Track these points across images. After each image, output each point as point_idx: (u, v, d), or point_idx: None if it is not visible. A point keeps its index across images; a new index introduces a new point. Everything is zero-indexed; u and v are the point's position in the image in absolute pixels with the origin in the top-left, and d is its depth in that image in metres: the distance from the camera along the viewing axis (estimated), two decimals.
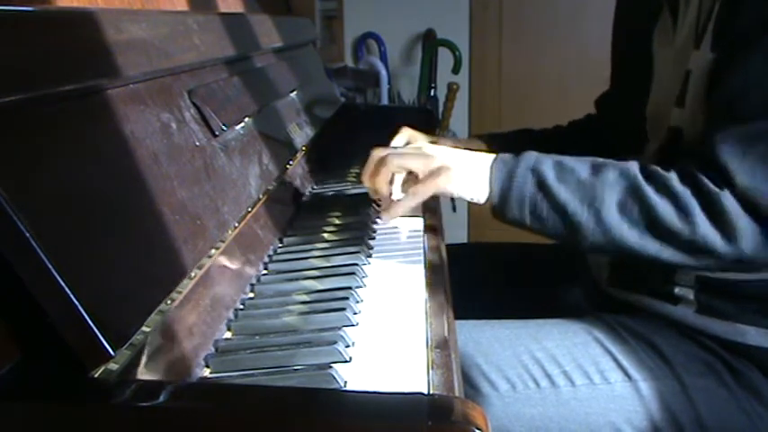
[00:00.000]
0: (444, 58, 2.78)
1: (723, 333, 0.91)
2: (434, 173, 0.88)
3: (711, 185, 0.80)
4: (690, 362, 0.91)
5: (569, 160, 0.87)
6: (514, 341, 0.93)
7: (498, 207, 0.88)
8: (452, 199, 1.71)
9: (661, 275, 0.95)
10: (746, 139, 0.80)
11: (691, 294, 0.93)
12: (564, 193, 0.84)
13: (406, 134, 1.08)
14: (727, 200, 0.79)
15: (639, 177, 0.83)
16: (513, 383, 0.90)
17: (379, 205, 1.03)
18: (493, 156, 0.90)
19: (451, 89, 2.67)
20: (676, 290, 0.94)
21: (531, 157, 0.88)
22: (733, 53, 0.84)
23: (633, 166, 0.85)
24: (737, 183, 0.79)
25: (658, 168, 0.84)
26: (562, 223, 0.85)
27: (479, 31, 2.95)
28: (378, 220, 1.01)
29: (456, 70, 2.78)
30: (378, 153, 0.93)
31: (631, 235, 0.83)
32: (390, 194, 0.95)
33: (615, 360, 0.91)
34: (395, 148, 0.99)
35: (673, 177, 0.82)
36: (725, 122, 0.82)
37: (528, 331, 0.95)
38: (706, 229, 0.80)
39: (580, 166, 0.86)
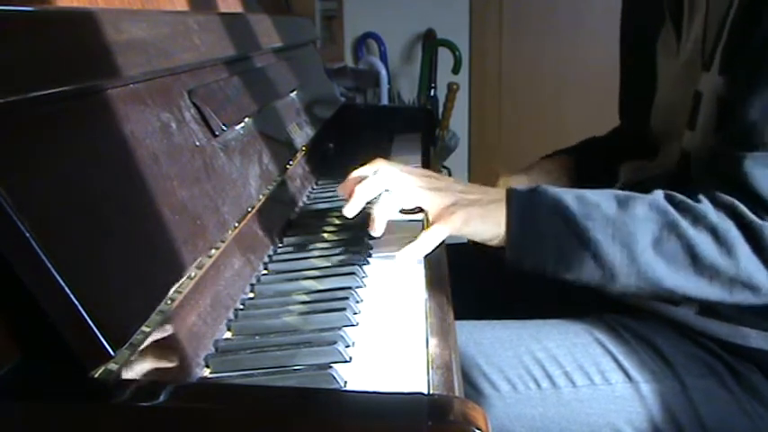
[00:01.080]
0: (444, 58, 2.78)
1: (724, 335, 0.91)
2: (451, 218, 0.81)
3: (754, 217, 0.77)
4: (691, 363, 0.91)
5: (589, 194, 0.81)
6: (515, 341, 0.93)
7: (514, 249, 0.81)
8: None
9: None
10: None
11: None
12: (594, 232, 0.78)
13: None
14: None
15: (672, 210, 0.79)
16: (514, 384, 0.90)
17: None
18: (504, 190, 0.83)
19: (451, 89, 2.67)
20: None
21: (546, 192, 0.82)
22: (749, 75, 0.81)
23: (660, 198, 0.80)
24: None
25: (687, 198, 0.80)
26: (592, 265, 0.79)
27: (479, 31, 2.95)
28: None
29: (456, 70, 2.78)
30: (380, 163, 0.87)
31: (668, 273, 0.78)
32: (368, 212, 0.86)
33: (616, 361, 0.91)
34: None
35: (707, 208, 0.79)
36: (751, 149, 0.80)
37: (529, 332, 0.95)
38: (749, 264, 0.77)
39: (603, 199, 0.80)
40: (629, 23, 1.15)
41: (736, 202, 0.79)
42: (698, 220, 0.78)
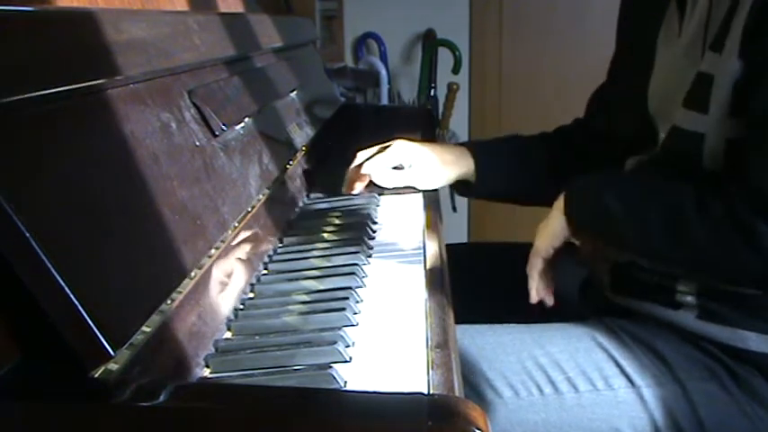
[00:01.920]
0: (444, 58, 2.78)
1: (725, 338, 0.91)
2: None
3: (745, 211, 0.81)
4: (692, 367, 0.91)
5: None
6: (518, 347, 0.93)
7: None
8: (452, 199, 1.70)
9: (663, 282, 0.95)
10: None
11: (692, 300, 0.93)
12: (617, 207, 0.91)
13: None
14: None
15: (688, 209, 0.86)
16: (517, 390, 0.90)
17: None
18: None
19: (451, 89, 2.67)
20: (678, 295, 0.94)
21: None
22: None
23: (688, 196, 0.87)
24: None
25: (711, 202, 0.85)
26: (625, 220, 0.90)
27: (479, 31, 2.94)
28: (377, 221, 1.01)
29: (456, 70, 2.78)
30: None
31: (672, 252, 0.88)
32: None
33: (618, 366, 0.91)
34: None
35: (719, 211, 0.83)
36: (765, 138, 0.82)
37: (531, 336, 0.95)
38: (748, 261, 0.82)
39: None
40: (630, 7, 1.14)
41: (738, 203, 0.81)
42: (710, 222, 0.84)
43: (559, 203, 0.98)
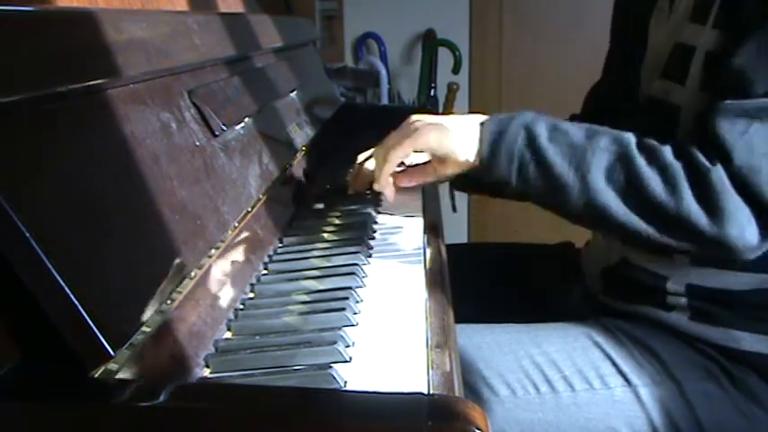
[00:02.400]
0: (444, 58, 2.78)
1: (718, 339, 0.91)
2: (416, 133, 0.86)
3: (704, 160, 0.78)
4: (688, 366, 0.91)
5: (565, 124, 0.86)
6: (515, 346, 0.93)
7: (486, 162, 0.85)
8: (452, 199, 1.71)
9: (653, 284, 0.95)
10: (749, 115, 0.77)
11: (684, 301, 0.93)
12: (553, 154, 0.82)
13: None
14: (718, 177, 0.77)
15: (632, 146, 0.81)
16: (514, 389, 0.90)
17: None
18: (484, 117, 0.88)
19: (451, 89, 2.67)
20: (669, 298, 0.94)
21: (526, 115, 0.86)
22: (743, 28, 0.81)
23: (629, 136, 0.83)
24: (734, 159, 0.76)
25: (654, 141, 0.82)
26: (547, 184, 0.83)
27: (479, 31, 2.94)
28: (377, 221, 1.01)
29: (456, 70, 2.78)
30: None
31: (615, 202, 0.81)
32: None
33: (615, 365, 0.91)
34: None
35: (666, 150, 0.80)
36: (730, 96, 0.79)
37: (528, 335, 0.95)
38: (691, 205, 0.78)
39: (575, 129, 0.84)
40: (622, 9, 1.14)
41: (693, 147, 0.79)
42: (653, 158, 0.80)
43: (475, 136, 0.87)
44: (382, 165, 0.90)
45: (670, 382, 0.90)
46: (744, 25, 0.81)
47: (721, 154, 0.77)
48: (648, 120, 0.97)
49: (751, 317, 0.89)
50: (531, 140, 0.83)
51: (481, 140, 0.85)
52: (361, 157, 1.08)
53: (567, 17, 2.88)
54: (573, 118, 1.26)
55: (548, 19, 2.91)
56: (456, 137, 0.86)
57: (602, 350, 0.93)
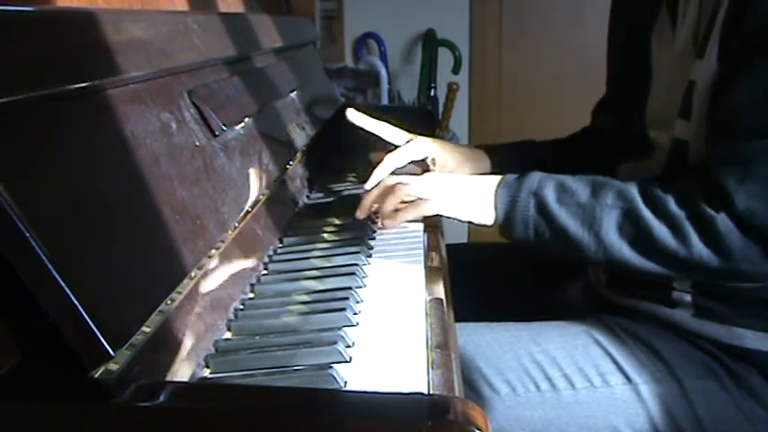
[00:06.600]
0: (444, 58, 2.78)
1: (721, 336, 0.91)
2: (426, 204, 0.91)
3: (708, 209, 0.80)
4: (689, 364, 0.91)
5: (571, 182, 0.89)
6: (515, 344, 0.93)
7: (505, 229, 0.91)
8: None
9: (659, 280, 0.95)
10: (746, 160, 0.79)
11: (688, 298, 0.93)
12: (565, 216, 0.87)
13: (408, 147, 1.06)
14: (724, 224, 0.79)
15: (638, 200, 0.85)
16: (514, 387, 0.90)
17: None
18: (496, 180, 0.92)
19: (451, 89, 2.67)
20: (674, 294, 0.94)
21: (533, 180, 0.90)
22: (738, 62, 0.82)
23: (632, 188, 0.86)
24: (736, 205, 0.79)
25: (658, 190, 0.85)
26: (565, 244, 0.88)
27: (479, 31, 2.94)
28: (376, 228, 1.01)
29: (456, 70, 2.78)
30: (389, 181, 0.96)
31: (631, 254, 0.85)
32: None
33: (615, 362, 0.91)
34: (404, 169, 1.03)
35: (670, 200, 0.83)
36: (726, 140, 0.82)
37: (528, 333, 0.95)
38: (702, 251, 0.81)
39: (580, 187, 0.88)
40: (621, 14, 1.14)
41: (696, 195, 0.82)
42: (659, 209, 0.83)
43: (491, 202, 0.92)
44: (390, 218, 0.93)
45: (671, 379, 0.90)
46: (741, 56, 0.82)
47: (723, 202, 0.80)
48: (657, 155, 0.99)
49: (754, 314, 0.90)
50: (542, 207, 0.88)
51: (496, 208, 0.91)
52: (369, 185, 1.01)
53: (567, 17, 2.88)
54: (584, 130, 1.25)
55: (548, 19, 2.91)
56: (470, 207, 0.92)
57: (603, 348, 0.93)
